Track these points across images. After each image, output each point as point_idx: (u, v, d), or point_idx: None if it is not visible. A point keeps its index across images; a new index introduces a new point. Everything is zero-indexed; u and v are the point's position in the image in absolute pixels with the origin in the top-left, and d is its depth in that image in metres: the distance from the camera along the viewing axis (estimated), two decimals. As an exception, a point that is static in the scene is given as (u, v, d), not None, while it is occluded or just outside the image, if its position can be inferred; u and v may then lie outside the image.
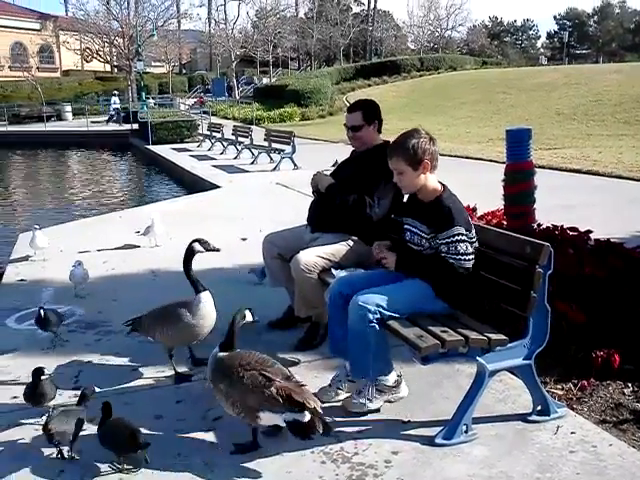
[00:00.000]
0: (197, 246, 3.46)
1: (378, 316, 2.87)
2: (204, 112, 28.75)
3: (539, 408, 2.94)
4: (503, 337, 2.76)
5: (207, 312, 3.36)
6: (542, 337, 2.81)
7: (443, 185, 3.08)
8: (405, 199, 3.36)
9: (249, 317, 2.88)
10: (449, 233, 2.89)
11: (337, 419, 2.99)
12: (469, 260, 2.91)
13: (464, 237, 2.90)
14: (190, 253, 3.44)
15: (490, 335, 2.74)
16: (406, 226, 3.18)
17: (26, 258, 6.27)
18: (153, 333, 3.48)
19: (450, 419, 2.79)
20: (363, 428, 2.92)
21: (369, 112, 3.89)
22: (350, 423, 2.97)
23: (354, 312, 2.90)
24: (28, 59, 51.56)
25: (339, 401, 3.17)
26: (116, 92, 40.95)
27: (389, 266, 3.14)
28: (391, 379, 3.16)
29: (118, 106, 36.83)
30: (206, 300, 3.36)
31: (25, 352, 3.93)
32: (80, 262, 5.03)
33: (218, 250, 3.55)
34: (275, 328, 4.14)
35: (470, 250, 2.92)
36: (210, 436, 2.90)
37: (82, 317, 4.58)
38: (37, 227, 6.34)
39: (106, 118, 36.43)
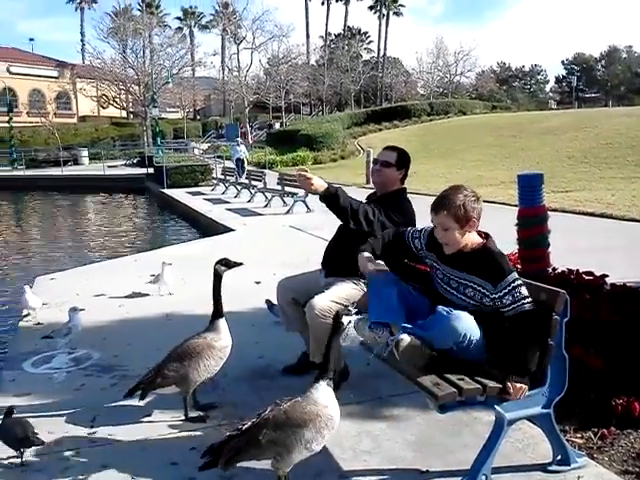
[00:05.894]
0: (219, 268, 3.56)
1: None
2: (218, 157, 29.03)
3: (559, 458, 2.89)
4: (521, 385, 2.72)
5: (227, 335, 3.51)
6: (561, 385, 2.79)
7: (484, 233, 2.96)
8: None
9: None
10: (509, 280, 2.74)
11: (354, 468, 2.95)
12: (532, 301, 2.77)
13: (521, 280, 2.79)
14: (216, 275, 3.56)
15: (508, 383, 2.71)
16: (453, 277, 2.95)
17: (27, 314, 5.81)
18: (185, 373, 3.40)
19: (469, 469, 2.74)
20: (381, 477, 2.88)
21: (404, 159, 3.98)
22: (367, 472, 2.93)
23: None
24: (46, 105, 52.73)
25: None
26: (239, 140, 28.37)
27: None
28: None
29: (243, 155, 25.59)
30: (224, 324, 3.51)
31: (39, 396, 3.93)
32: (76, 308, 4.76)
33: (241, 264, 3.64)
34: (289, 373, 4.12)
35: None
36: (226, 484, 2.86)
37: (98, 361, 4.59)
38: (28, 286, 5.93)
39: (235, 169, 24.05)
